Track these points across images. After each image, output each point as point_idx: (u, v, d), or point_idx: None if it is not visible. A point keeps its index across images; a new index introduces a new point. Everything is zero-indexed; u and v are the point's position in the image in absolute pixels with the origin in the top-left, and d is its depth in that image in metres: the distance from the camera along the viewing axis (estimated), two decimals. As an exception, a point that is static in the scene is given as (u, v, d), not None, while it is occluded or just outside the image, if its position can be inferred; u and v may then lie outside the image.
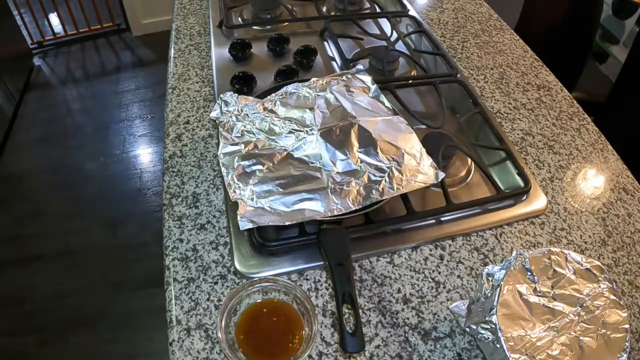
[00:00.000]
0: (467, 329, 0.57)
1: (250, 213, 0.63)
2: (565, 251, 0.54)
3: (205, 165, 0.79)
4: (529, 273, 0.52)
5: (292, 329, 0.57)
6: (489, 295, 0.52)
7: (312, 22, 1.12)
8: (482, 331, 0.52)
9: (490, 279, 0.53)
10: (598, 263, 0.54)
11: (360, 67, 0.87)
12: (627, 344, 0.49)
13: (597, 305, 0.51)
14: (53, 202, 2.03)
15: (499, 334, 0.48)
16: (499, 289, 0.51)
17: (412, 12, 1.16)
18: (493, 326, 0.49)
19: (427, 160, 0.70)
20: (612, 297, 0.52)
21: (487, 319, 0.50)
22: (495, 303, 0.50)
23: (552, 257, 0.54)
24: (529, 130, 0.90)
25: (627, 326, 0.50)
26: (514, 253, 0.54)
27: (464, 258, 0.69)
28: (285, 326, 0.58)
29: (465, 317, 0.59)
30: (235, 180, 0.67)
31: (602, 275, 0.53)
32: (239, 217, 0.62)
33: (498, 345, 0.48)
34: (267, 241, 0.67)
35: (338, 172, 0.68)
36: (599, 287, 0.52)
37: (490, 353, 0.52)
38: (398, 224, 0.71)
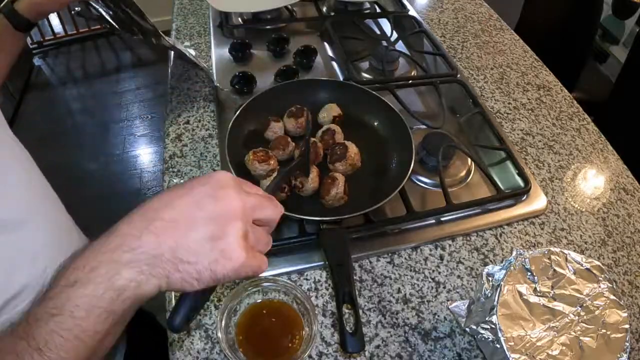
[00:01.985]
0: (467, 329, 0.57)
1: None
2: (565, 251, 0.54)
3: (205, 165, 0.79)
4: (529, 273, 0.52)
5: (292, 329, 0.57)
6: (489, 295, 0.52)
7: (312, 22, 1.12)
8: (482, 331, 0.52)
9: (490, 279, 0.53)
10: (598, 263, 0.54)
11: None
12: (627, 344, 0.49)
13: (597, 305, 0.51)
14: (53, 202, 2.02)
15: (499, 334, 0.48)
16: (499, 289, 0.51)
17: (412, 12, 1.16)
18: (493, 326, 0.49)
19: None
20: (612, 297, 0.52)
21: (487, 319, 0.50)
22: (495, 303, 0.50)
23: (552, 257, 0.54)
24: (529, 130, 0.90)
25: (627, 326, 0.50)
26: (514, 253, 0.54)
27: (464, 258, 0.69)
28: (285, 326, 0.58)
29: (465, 317, 0.59)
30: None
31: (602, 275, 0.53)
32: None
33: (498, 345, 0.48)
34: (267, 241, 0.67)
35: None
36: (599, 287, 0.52)
37: (491, 353, 0.52)
38: (398, 224, 0.71)
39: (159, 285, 0.36)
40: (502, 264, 0.54)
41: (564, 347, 0.48)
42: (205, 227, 0.36)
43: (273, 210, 0.41)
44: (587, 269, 0.53)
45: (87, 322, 0.33)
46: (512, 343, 0.48)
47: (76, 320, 0.33)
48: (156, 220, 0.36)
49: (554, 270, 0.53)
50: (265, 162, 0.70)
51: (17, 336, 0.33)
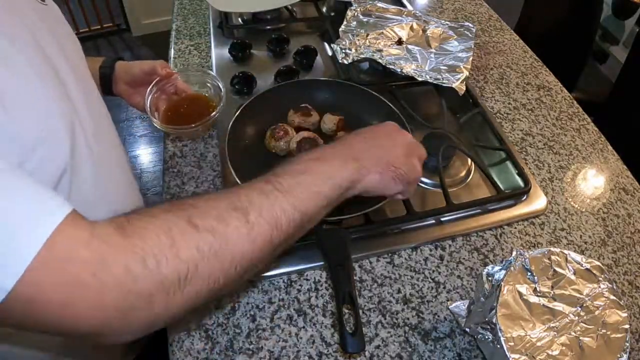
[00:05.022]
0: (467, 329, 0.57)
1: None
2: (565, 251, 0.54)
3: (205, 165, 0.79)
4: (529, 273, 0.52)
5: (207, 109, 0.76)
6: (489, 295, 0.52)
7: (312, 22, 1.12)
8: (482, 331, 0.52)
9: (490, 279, 0.53)
10: (598, 263, 0.54)
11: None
12: (627, 344, 0.49)
13: (597, 306, 0.51)
14: (53, 202, 2.02)
15: (499, 334, 0.48)
16: (499, 289, 0.51)
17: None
18: (493, 326, 0.49)
19: None
20: (612, 297, 0.52)
21: (487, 319, 0.50)
22: (495, 303, 0.50)
23: (552, 257, 0.54)
24: (529, 131, 0.90)
25: (627, 326, 0.50)
26: (514, 253, 0.54)
27: (464, 258, 0.69)
28: (200, 109, 0.76)
29: (465, 317, 0.59)
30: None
31: (602, 276, 0.53)
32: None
33: (498, 346, 0.48)
34: (267, 241, 0.67)
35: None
36: (599, 287, 0.52)
37: (491, 353, 0.52)
38: (398, 224, 0.71)
39: (372, 181, 0.50)
40: (502, 264, 0.54)
41: (564, 347, 0.48)
42: (402, 148, 0.54)
43: (423, 150, 0.58)
44: (587, 269, 0.53)
45: (324, 185, 0.45)
46: (512, 343, 0.48)
47: (315, 182, 0.45)
48: (369, 144, 0.53)
49: (554, 270, 0.53)
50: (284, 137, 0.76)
51: (265, 180, 0.43)
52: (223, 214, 0.38)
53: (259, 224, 0.39)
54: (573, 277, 0.53)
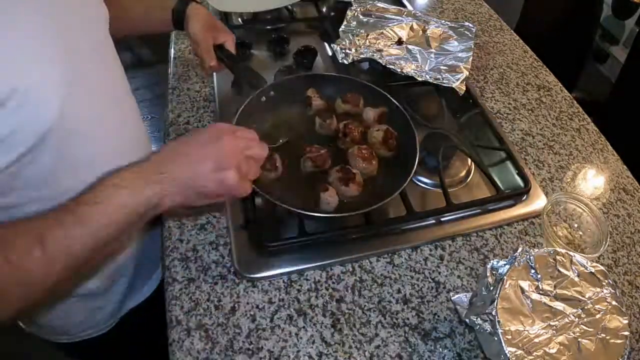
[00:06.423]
0: (467, 320, 0.57)
1: None
2: (571, 253, 0.54)
3: (205, 165, 0.79)
4: (533, 270, 0.52)
5: None
6: (491, 288, 0.52)
7: (312, 22, 1.12)
8: (481, 322, 0.52)
9: (494, 272, 0.53)
10: (602, 268, 0.53)
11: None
12: (626, 350, 0.49)
13: (599, 310, 0.51)
14: (53, 202, 2.01)
15: (497, 327, 0.48)
16: (501, 282, 0.51)
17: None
18: (492, 318, 0.49)
19: None
20: (614, 303, 0.51)
21: (487, 311, 0.50)
22: (496, 296, 0.50)
23: (558, 257, 0.54)
24: (528, 131, 0.90)
25: (627, 333, 0.50)
26: (519, 249, 0.53)
27: (464, 258, 0.69)
28: None
29: (466, 308, 0.59)
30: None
31: (606, 281, 0.53)
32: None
33: (495, 338, 0.48)
34: (267, 241, 0.67)
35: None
36: (602, 292, 0.52)
37: (488, 345, 0.52)
38: (398, 224, 0.71)
39: (174, 201, 0.50)
40: (507, 259, 0.54)
41: (561, 347, 0.48)
42: (211, 162, 0.50)
43: (260, 149, 0.55)
44: (591, 272, 0.53)
45: (118, 214, 0.46)
46: (510, 337, 0.48)
47: (112, 209, 0.46)
48: (178, 155, 0.51)
49: (558, 270, 0.53)
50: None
51: (65, 209, 0.45)
52: (27, 245, 0.44)
53: (54, 252, 0.44)
54: (576, 279, 0.52)
